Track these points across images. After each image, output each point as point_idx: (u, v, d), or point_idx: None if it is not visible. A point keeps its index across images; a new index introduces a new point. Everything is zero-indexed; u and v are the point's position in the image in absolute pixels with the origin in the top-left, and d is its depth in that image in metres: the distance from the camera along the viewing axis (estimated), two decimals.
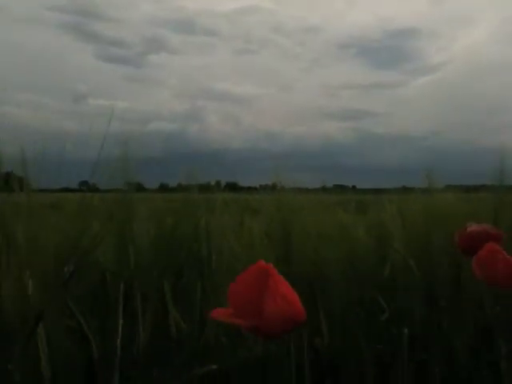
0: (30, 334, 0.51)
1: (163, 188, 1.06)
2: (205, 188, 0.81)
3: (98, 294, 0.70)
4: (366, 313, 0.78)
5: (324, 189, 0.93)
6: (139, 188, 0.75)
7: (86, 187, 0.72)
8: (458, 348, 0.74)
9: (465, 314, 0.77)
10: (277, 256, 0.75)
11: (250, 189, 1.34)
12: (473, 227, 0.64)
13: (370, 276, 0.79)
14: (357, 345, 0.75)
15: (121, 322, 0.62)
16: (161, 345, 0.71)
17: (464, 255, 0.65)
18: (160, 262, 0.68)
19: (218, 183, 0.85)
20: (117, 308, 0.63)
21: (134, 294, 0.65)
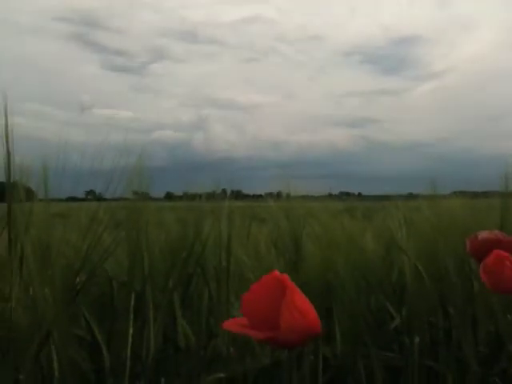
0: (41, 345, 0.51)
1: (169, 197, 1.06)
2: (210, 196, 0.81)
3: (107, 303, 0.70)
4: (376, 320, 0.77)
5: (330, 195, 0.92)
6: (146, 197, 0.75)
7: (92, 196, 0.72)
8: (469, 355, 0.74)
9: (475, 322, 0.76)
10: (285, 264, 0.75)
11: (254, 196, 1.33)
12: (484, 234, 0.64)
13: (379, 283, 0.79)
14: (366, 352, 0.74)
15: (131, 331, 0.62)
16: (169, 353, 0.70)
17: (475, 262, 0.65)
18: (170, 270, 0.68)
19: (224, 191, 0.85)
20: (127, 317, 0.62)
21: (146, 302, 0.65)
